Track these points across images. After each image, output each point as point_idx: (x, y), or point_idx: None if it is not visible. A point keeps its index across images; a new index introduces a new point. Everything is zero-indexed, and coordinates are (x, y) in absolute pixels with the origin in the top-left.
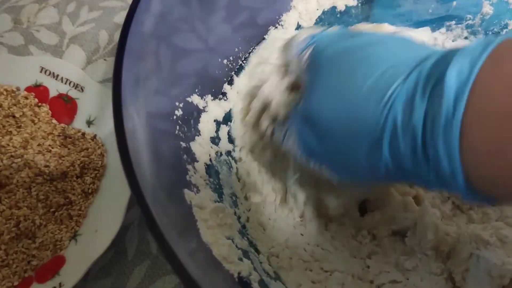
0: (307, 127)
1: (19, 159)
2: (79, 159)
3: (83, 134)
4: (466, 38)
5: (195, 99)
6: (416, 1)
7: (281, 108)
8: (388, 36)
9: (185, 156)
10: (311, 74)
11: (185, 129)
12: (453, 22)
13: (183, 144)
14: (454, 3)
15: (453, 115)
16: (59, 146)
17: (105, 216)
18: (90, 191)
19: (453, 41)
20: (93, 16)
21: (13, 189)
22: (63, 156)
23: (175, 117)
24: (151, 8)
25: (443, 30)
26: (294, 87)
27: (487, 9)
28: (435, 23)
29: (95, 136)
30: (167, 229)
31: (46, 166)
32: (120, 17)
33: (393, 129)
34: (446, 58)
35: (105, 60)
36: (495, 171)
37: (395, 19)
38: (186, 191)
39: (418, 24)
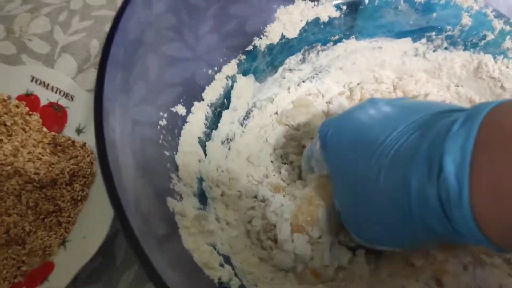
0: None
1: (9, 167)
2: (68, 167)
3: (73, 142)
4: (446, 48)
5: (179, 109)
6: (397, 13)
7: None
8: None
9: (168, 165)
10: (331, 169)
11: (169, 138)
12: (433, 33)
13: (167, 153)
14: (434, 14)
15: (460, 197)
16: (49, 154)
17: (94, 223)
18: (79, 198)
19: (433, 51)
20: (85, 26)
21: (3, 197)
22: (53, 164)
23: (159, 126)
24: (138, 16)
25: (423, 40)
26: None
27: (466, 20)
28: (416, 34)
29: (84, 144)
30: (146, 237)
31: (36, 173)
32: None
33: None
34: (437, 146)
35: (95, 68)
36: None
37: (377, 29)
38: (169, 199)
39: (400, 35)
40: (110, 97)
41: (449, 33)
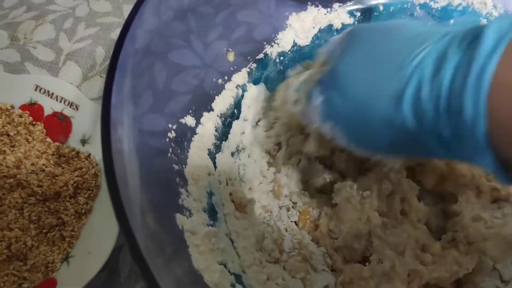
0: (334, 87)
1: (12, 179)
2: (72, 179)
3: (78, 153)
4: None
5: (188, 120)
6: (413, 19)
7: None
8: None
9: (177, 179)
10: (344, 44)
11: (178, 151)
12: None
13: (176, 167)
14: (452, 21)
15: (487, 63)
16: (53, 165)
17: (98, 237)
18: (83, 211)
19: None
20: (90, 33)
21: (5, 210)
22: (57, 176)
23: (168, 139)
24: (147, 24)
25: None
26: None
27: None
28: None
29: (89, 155)
30: (153, 256)
31: (39, 186)
32: (117, 34)
33: (418, 82)
34: (480, 27)
35: (101, 76)
36: None
37: None
38: (178, 215)
39: None
40: (118, 107)
41: None
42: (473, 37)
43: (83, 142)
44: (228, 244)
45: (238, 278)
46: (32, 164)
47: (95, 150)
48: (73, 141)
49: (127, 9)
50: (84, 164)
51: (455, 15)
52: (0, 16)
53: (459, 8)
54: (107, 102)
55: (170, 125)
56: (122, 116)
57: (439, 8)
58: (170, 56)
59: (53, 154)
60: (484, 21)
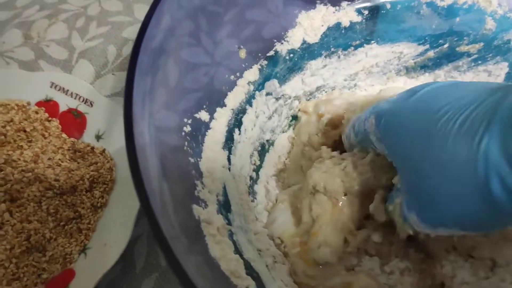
0: (420, 204)
1: (30, 173)
2: (88, 173)
3: (92, 148)
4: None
5: (202, 115)
6: (419, 17)
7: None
8: (444, 84)
9: (193, 172)
10: (390, 141)
11: (193, 144)
12: (454, 37)
13: (192, 160)
14: (458, 19)
15: None
16: (69, 160)
17: (114, 230)
18: (99, 205)
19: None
20: (102, 31)
21: (24, 203)
22: (73, 170)
23: (183, 133)
24: (162, 23)
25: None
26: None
27: (490, 25)
28: (438, 39)
29: (104, 150)
30: (175, 242)
31: (56, 180)
32: (128, 32)
33: (499, 179)
34: None
35: (113, 74)
36: None
37: (398, 34)
38: (194, 206)
39: (421, 39)
40: (138, 103)
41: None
42: None
43: (98, 137)
44: (241, 234)
45: (249, 265)
46: (49, 159)
47: (110, 146)
48: (88, 136)
49: (137, 8)
50: (99, 159)
51: (460, 13)
52: (13, 15)
53: (464, 6)
54: (129, 99)
55: (185, 120)
56: (142, 113)
57: (445, 6)
58: (182, 54)
59: (68, 149)
60: (489, 19)
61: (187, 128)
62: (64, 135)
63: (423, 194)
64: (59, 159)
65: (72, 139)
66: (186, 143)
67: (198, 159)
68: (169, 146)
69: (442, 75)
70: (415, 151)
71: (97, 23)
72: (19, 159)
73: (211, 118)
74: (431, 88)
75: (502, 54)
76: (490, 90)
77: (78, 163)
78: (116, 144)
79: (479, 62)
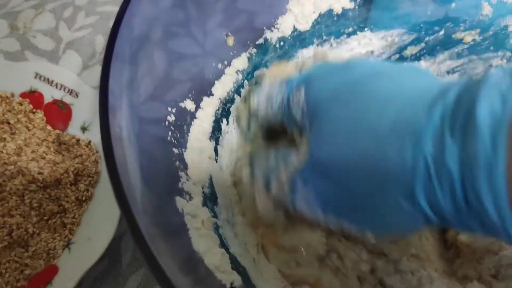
0: (320, 177)
1: (13, 166)
2: (73, 166)
3: (78, 140)
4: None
5: (188, 104)
6: (414, 3)
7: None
8: (386, 65)
9: (177, 163)
10: (311, 116)
11: (178, 135)
12: (450, 24)
13: (176, 150)
14: (453, 4)
15: (495, 158)
16: (54, 152)
17: (99, 224)
18: (84, 198)
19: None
20: (90, 21)
21: (6, 197)
22: (57, 163)
23: (167, 122)
24: (143, 12)
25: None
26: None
27: (487, 10)
28: (431, 26)
29: (89, 143)
30: (154, 239)
31: (39, 173)
32: None
33: (425, 173)
34: (469, 91)
35: (101, 65)
36: None
37: (392, 21)
38: (178, 198)
39: (415, 26)
40: (116, 93)
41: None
42: (465, 115)
43: (83, 129)
44: (228, 228)
45: (235, 259)
46: (33, 152)
47: (95, 137)
48: (73, 128)
49: None
50: (85, 151)
51: None
52: None
53: None
54: (105, 89)
55: (169, 109)
56: (121, 103)
57: None
58: (169, 44)
59: (53, 142)
60: (485, 5)
61: (171, 118)
62: (49, 127)
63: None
64: (43, 152)
65: (57, 131)
66: (170, 132)
67: (183, 150)
68: (152, 135)
69: (437, 63)
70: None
71: (85, 13)
72: (2, 152)
73: (197, 107)
74: (372, 71)
75: (499, 42)
76: (426, 91)
77: (63, 155)
78: None
79: (477, 48)
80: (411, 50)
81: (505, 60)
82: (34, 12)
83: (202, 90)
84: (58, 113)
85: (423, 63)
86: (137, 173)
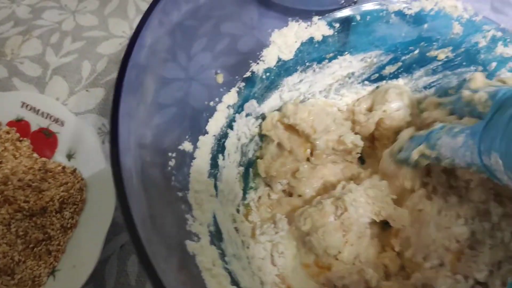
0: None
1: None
2: (58, 194)
3: (64, 168)
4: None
5: (186, 146)
6: (389, 26)
7: None
8: None
9: (183, 206)
10: None
11: (180, 178)
12: (424, 43)
13: (180, 194)
14: (426, 25)
15: None
16: (39, 180)
17: (84, 251)
18: (69, 225)
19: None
20: (76, 47)
21: None
22: (43, 191)
23: (169, 167)
24: (145, 41)
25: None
26: None
27: (457, 29)
28: (406, 46)
29: (75, 170)
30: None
31: (26, 201)
32: (103, 47)
33: None
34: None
35: (87, 91)
36: None
37: (370, 44)
38: (188, 242)
39: (392, 47)
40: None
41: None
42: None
43: (69, 157)
44: (235, 262)
45: None
46: (19, 180)
47: (81, 165)
48: (60, 156)
49: (112, 22)
50: (70, 179)
51: (428, 20)
52: None
53: (431, 13)
54: (115, 120)
55: (170, 154)
56: (129, 142)
57: (413, 14)
58: (158, 70)
59: (39, 170)
60: (456, 24)
61: (172, 162)
62: (35, 155)
63: None
64: (30, 180)
65: (43, 158)
66: (173, 177)
67: (186, 192)
68: (156, 182)
69: (414, 80)
70: None
71: (72, 39)
72: None
73: (195, 147)
74: None
75: (471, 57)
76: None
77: (49, 183)
78: (87, 163)
79: (450, 64)
80: (389, 69)
81: None
82: (21, 38)
83: (197, 129)
84: (44, 141)
85: (401, 81)
86: (146, 221)
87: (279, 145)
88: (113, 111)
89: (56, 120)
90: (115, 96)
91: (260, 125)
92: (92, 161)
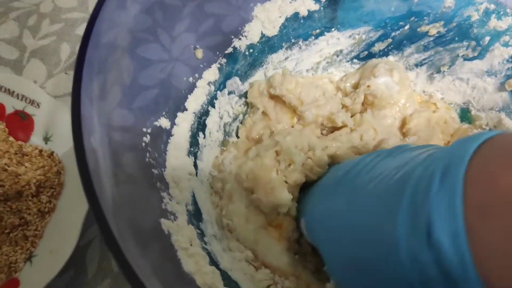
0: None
1: None
2: (35, 178)
3: (40, 151)
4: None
5: (163, 122)
6: (378, 1)
7: None
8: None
9: (158, 184)
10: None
11: (156, 155)
12: (414, 18)
13: (155, 171)
14: None
15: (465, 272)
16: (16, 164)
17: (61, 236)
18: (46, 210)
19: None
20: (55, 29)
21: None
22: (20, 175)
23: (144, 143)
24: (113, 18)
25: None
26: None
27: (449, 2)
28: (396, 21)
29: (52, 153)
30: (142, 267)
31: (1, 186)
32: (82, 29)
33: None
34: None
35: (66, 73)
36: None
37: (358, 20)
38: (163, 220)
39: (381, 23)
40: (86, 103)
41: (431, 19)
42: (427, 233)
43: (46, 140)
44: (215, 243)
45: (226, 275)
46: None
47: (58, 147)
48: (36, 139)
49: (92, 4)
50: (47, 162)
51: None
52: None
53: None
54: (77, 99)
55: (144, 129)
56: (93, 119)
57: None
58: (137, 50)
59: (15, 153)
60: None
61: (147, 138)
62: (11, 138)
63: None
64: (5, 164)
65: (19, 142)
66: (148, 154)
67: (162, 170)
68: (129, 158)
69: (405, 57)
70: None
71: (50, 21)
72: None
73: (172, 124)
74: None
75: (464, 32)
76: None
77: (26, 167)
78: (64, 146)
79: (442, 40)
80: (379, 46)
81: (470, 50)
82: None
83: (175, 105)
84: (20, 124)
85: (391, 58)
86: (116, 199)
87: (264, 114)
88: (73, 91)
89: (32, 102)
90: (76, 76)
91: (244, 104)
92: (70, 144)
